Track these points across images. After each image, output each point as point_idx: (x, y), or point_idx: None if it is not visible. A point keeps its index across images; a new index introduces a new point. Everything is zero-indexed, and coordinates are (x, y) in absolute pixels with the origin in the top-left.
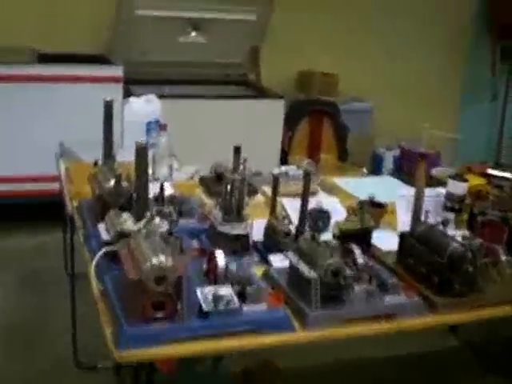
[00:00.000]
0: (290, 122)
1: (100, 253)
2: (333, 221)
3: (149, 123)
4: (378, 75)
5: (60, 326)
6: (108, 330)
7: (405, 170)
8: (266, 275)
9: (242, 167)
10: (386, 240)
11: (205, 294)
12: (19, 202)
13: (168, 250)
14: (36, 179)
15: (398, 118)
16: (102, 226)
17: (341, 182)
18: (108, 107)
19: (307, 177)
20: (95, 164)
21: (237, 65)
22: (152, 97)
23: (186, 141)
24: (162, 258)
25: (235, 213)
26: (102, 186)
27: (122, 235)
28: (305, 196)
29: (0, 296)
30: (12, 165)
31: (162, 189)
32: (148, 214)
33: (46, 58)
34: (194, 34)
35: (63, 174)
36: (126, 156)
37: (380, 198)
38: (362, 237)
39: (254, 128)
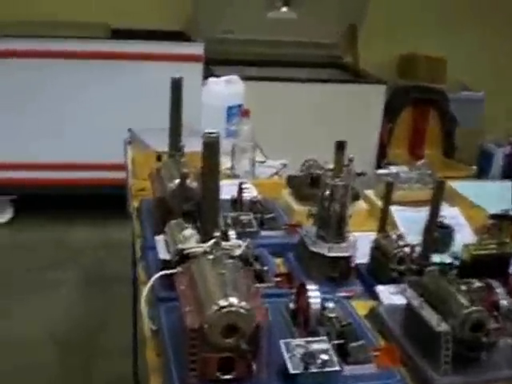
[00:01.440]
0: (391, 111)
1: (154, 278)
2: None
3: (230, 108)
4: (491, 60)
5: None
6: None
7: None
8: (373, 315)
9: (345, 170)
10: None
11: (291, 348)
12: (85, 191)
13: (242, 284)
14: (104, 167)
15: (510, 110)
16: (160, 240)
17: (457, 185)
18: (176, 87)
19: (440, 186)
20: (158, 158)
21: (331, 45)
22: (235, 78)
23: (271, 130)
24: (234, 299)
25: (335, 228)
26: (164, 186)
27: (183, 256)
28: (434, 210)
29: (62, 297)
30: (77, 150)
31: (240, 190)
32: (217, 231)
33: (120, 34)
34: (284, 9)
35: (129, 164)
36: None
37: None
38: (498, 266)
39: (350, 117)
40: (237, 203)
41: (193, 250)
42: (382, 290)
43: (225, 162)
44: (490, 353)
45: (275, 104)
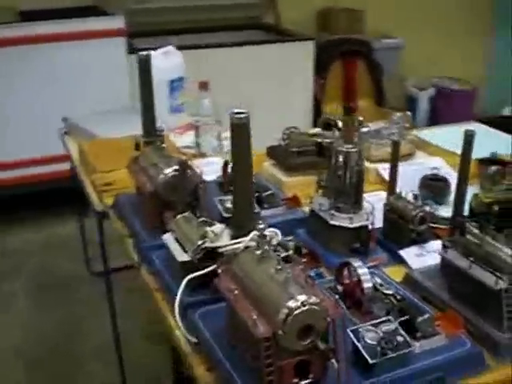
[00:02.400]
0: (321, 67)
1: (184, 282)
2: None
3: (172, 82)
4: (405, 8)
5: (94, 345)
6: None
7: (441, 110)
8: (409, 281)
9: (356, 134)
10: None
11: (361, 335)
12: (19, 191)
13: (301, 278)
14: (38, 162)
15: (428, 54)
16: (170, 238)
17: (422, 134)
18: (144, 66)
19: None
20: (137, 147)
21: (251, 6)
22: (171, 49)
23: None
24: (303, 297)
25: (352, 198)
26: (153, 179)
27: (208, 254)
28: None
29: (18, 310)
30: (6, 147)
31: (226, 167)
32: (253, 223)
33: (29, 16)
34: None
35: (76, 157)
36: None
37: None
38: (509, 211)
39: (282, 77)
40: (224, 184)
41: (231, 247)
42: (407, 253)
43: (180, 141)
44: None
45: (210, 72)
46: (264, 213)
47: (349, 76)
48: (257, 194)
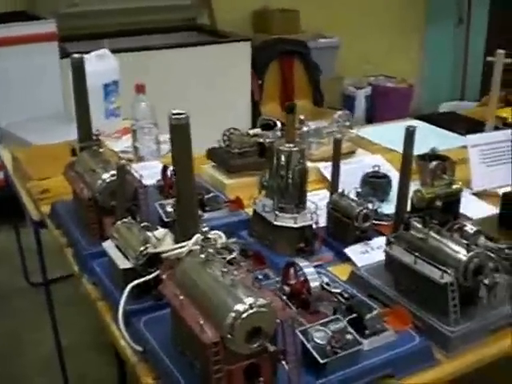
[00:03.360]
0: (258, 67)
1: (127, 290)
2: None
3: (106, 86)
4: (340, 7)
5: (37, 357)
6: None
7: (378, 108)
8: (355, 279)
9: (298, 133)
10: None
11: (310, 335)
12: None
13: (248, 280)
14: None
15: (364, 53)
16: (111, 246)
17: (362, 132)
18: (77, 68)
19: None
20: (73, 153)
21: (185, 7)
22: (105, 52)
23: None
24: (250, 299)
25: (296, 197)
26: (91, 185)
27: (151, 260)
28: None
29: None
30: None
31: (165, 171)
32: (197, 227)
33: None
34: None
35: (10, 165)
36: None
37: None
38: (450, 205)
39: (220, 78)
40: (164, 188)
41: (175, 252)
42: (352, 251)
43: (118, 145)
44: (491, 292)
45: (146, 75)
46: (206, 216)
47: (286, 76)
48: (199, 197)
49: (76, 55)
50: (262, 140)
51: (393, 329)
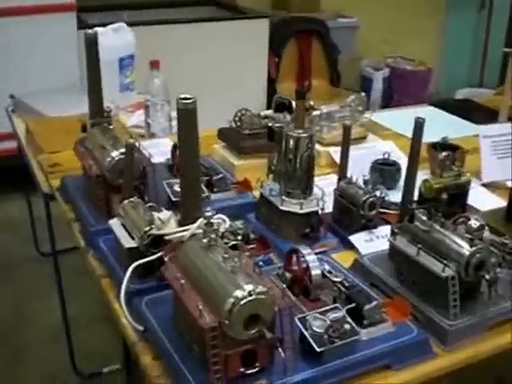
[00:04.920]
0: (275, 45)
1: (130, 269)
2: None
3: (122, 60)
4: None
5: (43, 328)
6: None
7: (395, 90)
8: (358, 267)
9: (307, 119)
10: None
11: (308, 323)
12: None
13: (249, 267)
14: None
15: (384, 34)
16: (117, 224)
17: (376, 117)
18: (91, 44)
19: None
20: (83, 129)
21: None
22: (122, 25)
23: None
24: (250, 286)
25: (303, 183)
26: (100, 162)
27: (155, 241)
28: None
29: None
30: None
31: (175, 150)
32: (200, 211)
33: None
34: None
35: (23, 136)
36: None
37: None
38: (457, 196)
39: (237, 55)
40: (173, 167)
41: (177, 234)
42: (357, 238)
43: (130, 120)
44: (492, 287)
45: (162, 49)
46: (214, 197)
47: (303, 55)
48: (207, 178)
49: (90, 31)
50: (271, 124)
51: (392, 320)
